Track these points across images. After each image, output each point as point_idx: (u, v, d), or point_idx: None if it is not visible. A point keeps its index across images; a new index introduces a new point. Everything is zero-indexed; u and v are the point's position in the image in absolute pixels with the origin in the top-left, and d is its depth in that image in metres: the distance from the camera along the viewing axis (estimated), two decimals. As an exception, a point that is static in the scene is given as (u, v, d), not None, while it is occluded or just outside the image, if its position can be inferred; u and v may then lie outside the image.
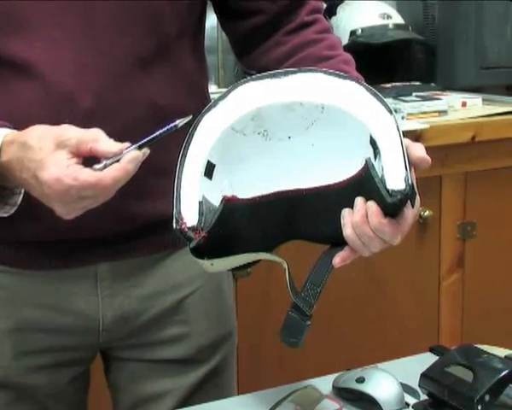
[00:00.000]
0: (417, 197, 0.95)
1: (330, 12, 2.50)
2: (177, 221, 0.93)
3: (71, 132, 0.91)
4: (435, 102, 2.24)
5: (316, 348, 2.09)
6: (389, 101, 2.26)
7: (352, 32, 2.41)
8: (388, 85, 2.38)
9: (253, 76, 0.98)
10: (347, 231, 0.93)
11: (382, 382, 1.08)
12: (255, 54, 1.14)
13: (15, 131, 0.94)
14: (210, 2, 1.16)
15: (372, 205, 0.91)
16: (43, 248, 1.07)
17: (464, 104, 2.31)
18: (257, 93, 0.96)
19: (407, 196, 0.90)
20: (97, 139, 0.90)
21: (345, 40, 2.40)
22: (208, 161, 0.96)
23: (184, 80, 1.09)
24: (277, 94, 0.96)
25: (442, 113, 2.22)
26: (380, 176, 0.91)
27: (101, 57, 1.01)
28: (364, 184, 0.92)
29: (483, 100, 2.34)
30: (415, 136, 2.08)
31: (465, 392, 1.02)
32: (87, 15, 1.00)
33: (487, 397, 1.01)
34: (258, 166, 0.99)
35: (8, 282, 1.10)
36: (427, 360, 1.14)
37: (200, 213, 0.94)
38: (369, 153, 0.94)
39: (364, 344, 2.13)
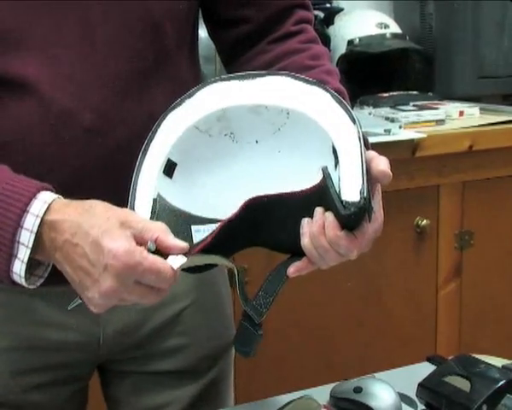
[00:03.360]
0: (380, 212, 0.93)
1: (328, 21, 2.51)
2: None
3: (137, 217, 0.88)
4: (432, 112, 2.24)
5: (313, 357, 2.09)
6: (386, 110, 2.27)
7: (350, 42, 2.42)
8: (386, 95, 2.39)
9: (222, 76, 0.96)
10: (305, 241, 0.91)
11: (380, 392, 1.07)
12: (240, 61, 1.14)
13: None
14: (200, 10, 1.16)
15: (329, 216, 0.88)
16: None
17: (461, 113, 2.31)
18: (223, 94, 0.95)
19: (361, 209, 0.87)
20: (165, 230, 0.87)
21: (342, 49, 2.41)
22: (169, 159, 0.95)
23: (182, 91, 1.09)
24: (243, 96, 0.95)
25: (439, 122, 2.23)
26: (336, 187, 0.88)
27: (100, 73, 0.99)
28: (323, 194, 0.89)
29: (480, 109, 2.35)
30: (412, 145, 2.08)
31: (462, 402, 1.02)
32: (84, 31, 0.98)
33: (484, 407, 1.01)
34: (225, 169, 0.98)
35: (5, 299, 1.08)
36: (425, 369, 1.14)
37: (153, 212, 0.92)
38: (332, 161, 0.91)
39: (362, 354, 2.13)
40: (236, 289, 0.95)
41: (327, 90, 0.93)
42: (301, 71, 1.04)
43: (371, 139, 1.99)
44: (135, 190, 0.93)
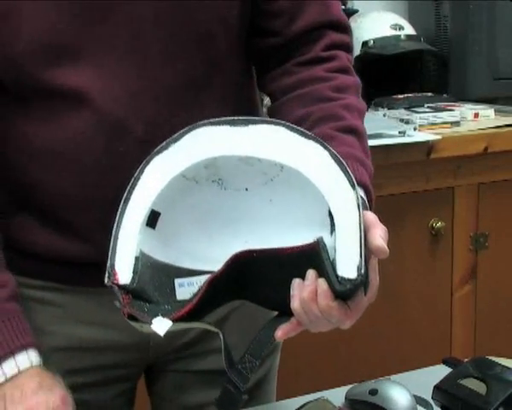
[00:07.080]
0: (376, 278, 0.87)
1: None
2: (109, 276, 0.86)
3: None
4: (447, 113, 2.24)
5: (329, 360, 2.09)
6: (401, 112, 2.27)
7: (364, 44, 2.42)
8: (400, 96, 2.39)
9: (212, 119, 0.90)
10: (295, 304, 0.86)
11: (395, 394, 1.07)
12: (266, 79, 1.11)
13: (40, 365, 0.96)
14: None
15: (322, 284, 0.83)
16: (95, 267, 1.01)
17: (477, 115, 2.31)
18: (213, 141, 0.89)
19: (357, 286, 0.81)
20: None
21: (357, 51, 2.41)
22: (152, 210, 0.89)
23: (236, 97, 1.07)
24: (234, 146, 0.88)
25: (454, 124, 2.22)
26: (332, 258, 0.82)
27: (152, 84, 0.99)
28: (316, 259, 0.83)
29: (495, 111, 2.34)
30: (427, 147, 2.08)
31: (479, 405, 1.02)
32: (137, 44, 0.98)
33: (501, 410, 1.01)
34: (211, 216, 0.93)
35: (60, 300, 1.09)
36: (440, 372, 1.14)
37: (135, 272, 0.86)
38: (327, 224, 0.85)
39: (377, 356, 2.13)
40: (222, 353, 0.90)
41: (325, 147, 0.86)
42: (320, 102, 1.02)
43: (386, 141, 2.02)
44: (115, 245, 0.87)
